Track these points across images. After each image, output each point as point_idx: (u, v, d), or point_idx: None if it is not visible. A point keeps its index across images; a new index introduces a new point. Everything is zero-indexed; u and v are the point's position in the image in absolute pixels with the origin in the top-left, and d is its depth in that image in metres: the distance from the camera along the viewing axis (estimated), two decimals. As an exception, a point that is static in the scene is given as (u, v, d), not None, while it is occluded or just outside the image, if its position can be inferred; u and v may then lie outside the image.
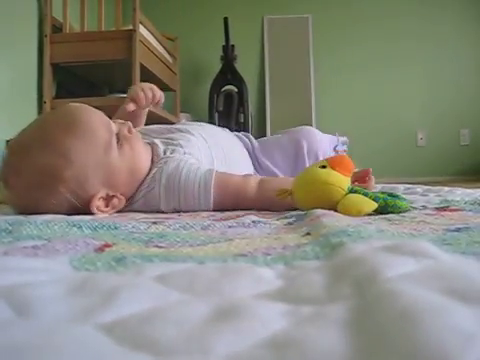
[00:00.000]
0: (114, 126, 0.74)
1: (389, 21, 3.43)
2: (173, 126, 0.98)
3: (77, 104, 0.75)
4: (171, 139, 0.86)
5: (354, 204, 0.60)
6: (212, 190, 0.74)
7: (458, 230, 0.43)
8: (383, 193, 0.67)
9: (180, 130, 0.91)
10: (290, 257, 0.31)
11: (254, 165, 1.09)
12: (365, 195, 0.63)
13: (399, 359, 0.14)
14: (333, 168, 0.65)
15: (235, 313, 0.19)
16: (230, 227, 0.52)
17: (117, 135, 0.74)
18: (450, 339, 0.14)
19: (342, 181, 0.64)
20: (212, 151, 0.91)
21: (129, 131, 0.76)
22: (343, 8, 3.46)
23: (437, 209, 0.66)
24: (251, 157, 1.11)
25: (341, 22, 3.45)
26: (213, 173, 0.76)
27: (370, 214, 0.62)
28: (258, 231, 0.48)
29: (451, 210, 0.63)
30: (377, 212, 0.62)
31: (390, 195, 0.66)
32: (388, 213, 0.62)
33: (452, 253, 0.30)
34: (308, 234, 0.42)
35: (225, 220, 0.59)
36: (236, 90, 3.09)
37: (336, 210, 0.60)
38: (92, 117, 0.72)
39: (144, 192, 0.77)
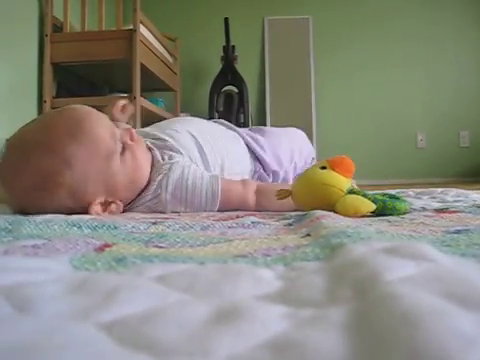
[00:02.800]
0: (118, 133, 0.74)
1: (389, 23, 3.43)
2: (155, 127, 0.96)
3: (83, 107, 0.74)
4: (161, 142, 0.86)
5: (351, 204, 0.60)
6: (219, 200, 0.77)
7: (458, 232, 0.43)
8: (383, 195, 0.67)
9: (164, 129, 0.90)
10: (290, 258, 0.31)
11: (257, 155, 1.04)
12: (364, 196, 0.63)
13: (399, 361, 0.14)
14: (333, 169, 0.65)
15: (235, 314, 0.19)
16: (230, 227, 0.52)
17: (121, 143, 0.74)
18: (451, 342, 0.14)
19: (342, 182, 0.64)
20: (202, 145, 0.89)
21: (132, 138, 0.76)
22: (343, 9, 3.46)
23: (436, 211, 0.66)
24: (252, 146, 1.06)
25: (341, 23, 3.45)
26: (219, 181, 0.77)
27: (368, 216, 0.62)
28: (258, 232, 0.48)
29: (450, 212, 0.63)
30: (375, 214, 0.62)
31: (391, 197, 0.66)
32: (387, 215, 0.61)
33: (452, 255, 0.30)
34: (308, 235, 0.42)
35: (225, 220, 0.59)
36: (236, 90, 3.09)
37: (334, 211, 0.60)
38: (98, 124, 0.72)
39: (150, 197, 0.77)
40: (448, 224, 0.50)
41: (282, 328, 0.18)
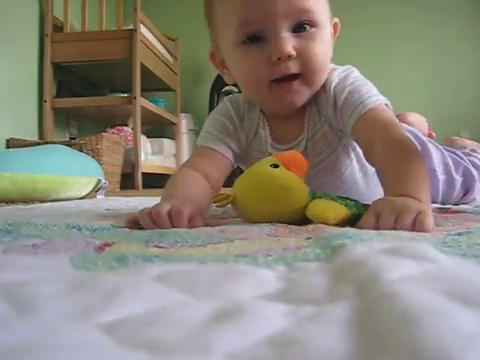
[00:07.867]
0: None
1: (390, 24, 3.43)
2: None
3: None
4: None
5: (329, 208, 0.50)
6: None
7: (459, 234, 0.43)
8: (350, 200, 0.55)
9: None
10: (291, 258, 0.31)
11: None
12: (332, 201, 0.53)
13: (400, 360, 0.14)
14: (288, 168, 0.55)
15: (236, 313, 0.19)
16: (229, 225, 0.52)
17: None
18: (451, 340, 0.14)
19: (302, 184, 0.55)
20: None
21: None
22: (344, 11, 3.44)
23: (440, 210, 0.66)
24: None
25: (342, 24, 3.44)
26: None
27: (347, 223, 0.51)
28: (257, 230, 0.48)
29: (453, 212, 0.63)
30: (350, 221, 0.50)
31: (363, 204, 0.55)
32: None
33: (453, 256, 0.30)
34: (308, 238, 0.41)
35: (224, 220, 0.59)
36: (236, 90, 3.09)
37: (297, 217, 0.53)
38: None
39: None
40: (450, 227, 0.50)
41: (283, 325, 0.18)
